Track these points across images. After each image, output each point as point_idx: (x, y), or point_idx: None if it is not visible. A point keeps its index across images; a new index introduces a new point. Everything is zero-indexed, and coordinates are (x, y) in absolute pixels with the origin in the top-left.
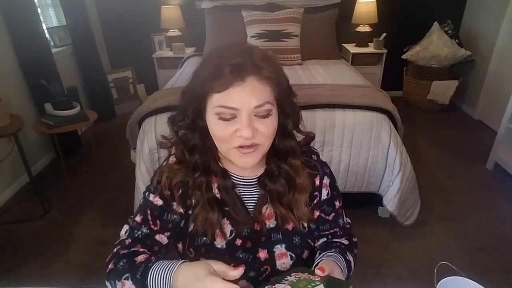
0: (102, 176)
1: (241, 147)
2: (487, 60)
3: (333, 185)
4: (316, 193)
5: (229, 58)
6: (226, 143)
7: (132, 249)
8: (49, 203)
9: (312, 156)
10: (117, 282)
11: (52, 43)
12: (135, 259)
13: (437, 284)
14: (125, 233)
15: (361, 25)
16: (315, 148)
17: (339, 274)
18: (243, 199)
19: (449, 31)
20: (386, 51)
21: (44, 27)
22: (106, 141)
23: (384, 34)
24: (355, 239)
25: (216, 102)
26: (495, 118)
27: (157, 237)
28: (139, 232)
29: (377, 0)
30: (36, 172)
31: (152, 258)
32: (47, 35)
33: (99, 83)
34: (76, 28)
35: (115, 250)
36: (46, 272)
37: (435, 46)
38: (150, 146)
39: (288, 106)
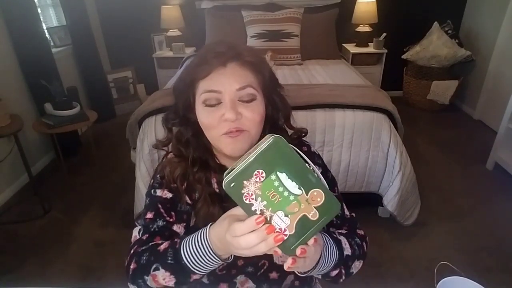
0: (102, 176)
1: (228, 133)
2: (487, 60)
3: (325, 175)
4: None
5: (214, 48)
6: (214, 131)
7: (150, 243)
8: (49, 203)
9: (303, 147)
10: (145, 277)
11: (52, 43)
12: (158, 249)
13: (437, 284)
14: (139, 232)
15: (361, 25)
16: (315, 147)
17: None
18: None
19: (449, 31)
20: (386, 51)
21: (44, 27)
22: (106, 141)
23: (384, 34)
24: (361, 232)
25: (201, 89)
26: (495, 118)
27: (175, 227)
28: (155, 225)
29: (377, 0)
30: (36, 172)
31: (176, 240)
32: (47, 35)
33: (99, 83)
34: (76, 28)
35: (132, 251)
36: (46, 272)
37: (435, 46)
38: (150, 146)
39: (276, 98)
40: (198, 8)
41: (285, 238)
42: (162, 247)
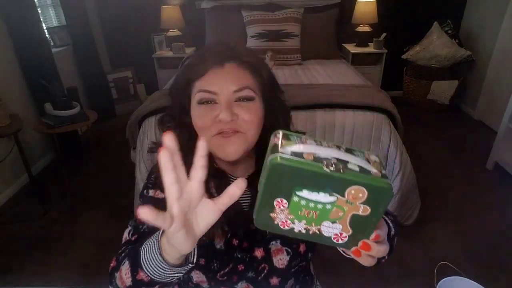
0: (102, 176)
1: (221, 133)
2: (487, 60)
3: None
4: None
5: (212, 48)
6: (207, 131)
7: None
8: (49, 203)
9: None
10: (116, 274)
11: (52, 43)
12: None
13: (437, 284)
14: (129, 233)
15: (361, 25)
16: None
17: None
18: (239, 200)
19: (449, 31)
20: (386, 51)
21: (44, 27)
22: (106, 141)
23: (384, 34)
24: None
25: (196, 88)
26: (495, 118)
27: None
28: (145, 226)
29: (377, 0)
30: (36, 172)
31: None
32: (47, 35)
33: (99, 83)
34: (76, 28)
35: (119, 251)
36: (46, 272)
37: (435, 46)
38: (150, 146)
39: (277, 104)
40: (198, 8)
41: (346, 240)
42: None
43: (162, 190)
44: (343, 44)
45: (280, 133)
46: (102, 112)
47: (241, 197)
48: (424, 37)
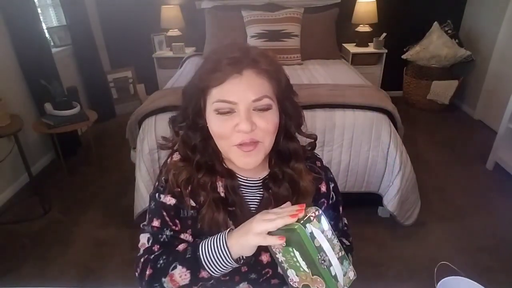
0: (102, 176)
1: (241, 145)
2: (487, 60)
3: (337, 190)
4: (323, 199)
5: (228, 53)
6: (226, 141)
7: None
8: (49, 203)
9: (316, 162)
10: (163, 279)
11: (52, 43)
12: (177, 249)
13: (437, 284)
14: (148, 241)
15: (361, 25)
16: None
17: None
18: (245, 200)
19: (449, 31)
20: (386, 51)
21: (44, 27)
22: (106, 141)
23: (384, 34)
24: (351, 239)
25: (214, 97)
26: (495, 118)
27: (182, 236)
28: (164, 236)
29: (377, 0)
30: (36, 172)
31: (197, 240)
32: (47, 35)
33: (99, 83)
34: (76, 28)
35: (142, 259)
36: (46, 272)
37: (435, 46)
38: (150, 146)
39: (290, 105)
40: (198, 8)
41: (295, 286)
42: (181, 247)
43: (172, 194)
44: (343, 44)
45: (318, 213)
46: (102, 112)
47: (249, 198)
48: (424, 37)
